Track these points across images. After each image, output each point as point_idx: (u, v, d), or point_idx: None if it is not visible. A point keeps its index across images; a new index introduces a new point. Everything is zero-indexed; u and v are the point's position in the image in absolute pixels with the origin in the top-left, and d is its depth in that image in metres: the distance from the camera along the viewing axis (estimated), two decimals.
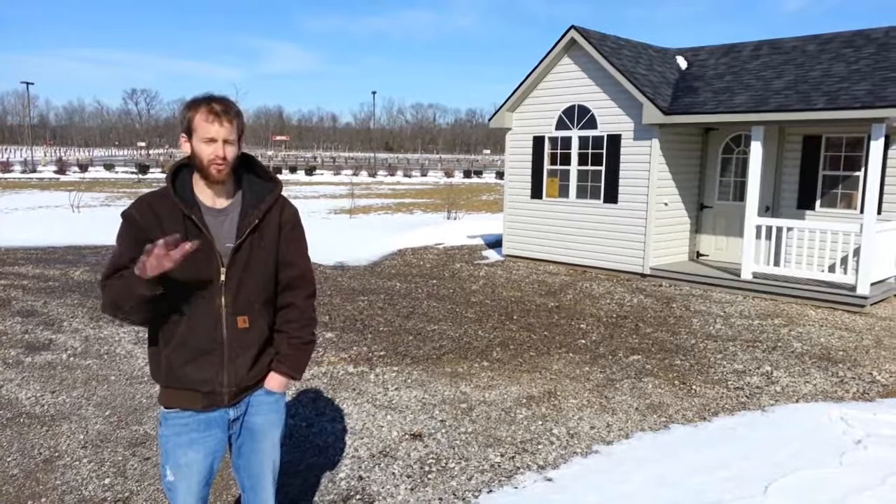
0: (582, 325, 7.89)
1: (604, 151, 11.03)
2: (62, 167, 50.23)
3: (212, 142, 2.19)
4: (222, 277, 2.27)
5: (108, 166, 55.69)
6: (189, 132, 2.22)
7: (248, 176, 2.39)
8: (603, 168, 11.05)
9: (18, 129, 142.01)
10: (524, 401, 5.40)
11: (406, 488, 3.95)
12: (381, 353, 6.63)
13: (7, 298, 8.78)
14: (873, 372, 6.28)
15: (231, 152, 2.23)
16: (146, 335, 2.42)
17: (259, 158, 2.60)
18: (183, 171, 2.32)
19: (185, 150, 2.26)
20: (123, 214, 2.26)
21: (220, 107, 2.20)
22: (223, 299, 2.28)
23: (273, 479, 2.56)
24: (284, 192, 2.50)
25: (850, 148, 9.89)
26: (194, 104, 2.22)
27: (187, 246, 2.02)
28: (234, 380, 2.34)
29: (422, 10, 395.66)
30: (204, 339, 2.28)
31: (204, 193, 2.29)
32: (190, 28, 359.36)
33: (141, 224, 2.22)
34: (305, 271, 2.49)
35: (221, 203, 2.31)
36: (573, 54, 11.31)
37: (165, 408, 2.36)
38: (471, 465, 4.27)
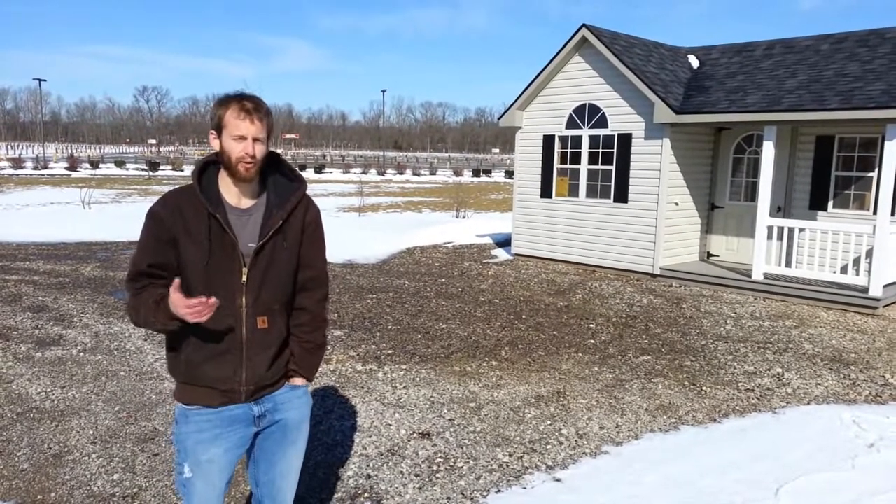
0: (591, 325, 7.85)
1: (614, 150, 10.98)
2: (73, 164, 50.55)
3: (242, 139, 2.19)
4: (244, 278, 2.27)
5: (119, 163, 56.02)
6: (219, 129, 2.22)
7: (274, 175, 2.38)
8: (613, 167, 11.00)
9: (30, 126, 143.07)
10: (533, 400, 5.38)
11: (414, 487, 3.94)
12: (390, 352, 6.62)
13: (18, 294, 8.83)
14: (886, 374, 6.22)
15: (260, 150, 2.23)
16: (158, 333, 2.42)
17: None
18: (209, 168, 2.32)
19: (213, 146, 2.27)
20: (149, 212, 2.26)
21: (251, 104, 2.21)
22: (244, 299, 2.28)
23: (298, 472, 2.58)
24: None
25: (863, 148, 9.79)
26: (226, 101, 2.22)
27: (211, 301, 2.08)
28: (253, 378, 2.34)
29: (434, 8, 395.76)
30: (223, 338, 2.28)
31: (229, 192, 2.29)
32: (201, 25, 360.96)
33: (166, 222, 2.23)
34: (321, 273, 2.49)
35: (246, 203, 2.31)
36: (584, 53, 11.26)
37: (185, 405, 2.36)
38: (479, 464, 4.25)
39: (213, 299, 2.07)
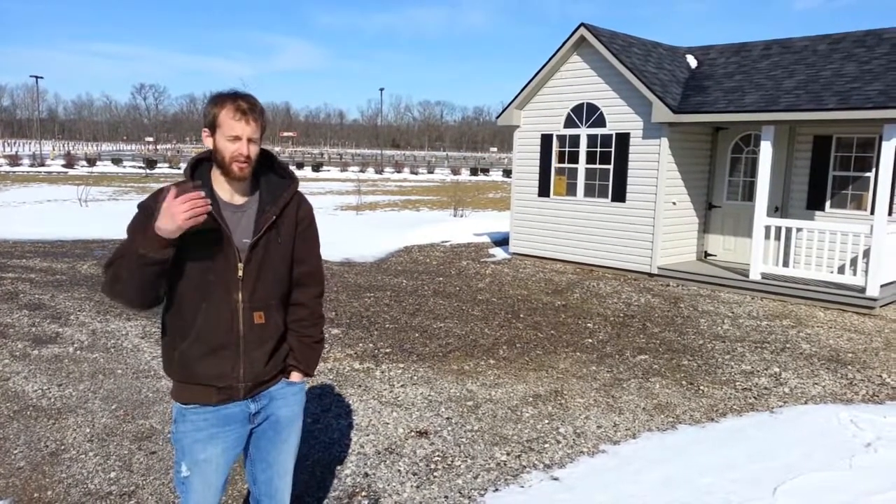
0: (589, 325, 7.85)
1: (612, 150, 10.98)
2: (70, 161, 50.44)
3: (237, 139, 2.19)
4: (240, 273, 2.26)
5: (116, 161, 55.91)
6: (213, 127, 2.21)
7: (266, 173, 2.38)
8: (611, 166, 11.00)
9: (27, 123, 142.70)
10: (530, 399, 5.38)
11: (412, 486, 3.94)
12: (387, 350, 6.61)
13: (15, 291, 8.81)
14: (883, 374, 6.23)
15: (254, 150, 2.23)
16: (156, 329, 2.42)
17: None
18: (202, 165, 2.31)
19: (207, 144, 2.26)
20: (140, 205, 2.24)
21: (246, 104, 2.20)
22: (240, 295, 2.27)
23: (292, 470, 2.57)
24: None
25: (860, 148, 9.81)
26: (220, 100, 2.21)
27: (203, 193, 2.00)
28: (251, 374, 2.34)
29: (432, 7, 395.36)
30: (220, 334, 2.27)
31: (222, 189, 2.29)
32: (199, 23, 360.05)
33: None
34: (316, 269, 2.50)
35: (239, 199, 2.31)
36: (583, 52, 11.26)
37: (182, 404, 2.35)
38: (477, 463, 4.25)
39: (201, 193, 2.00)
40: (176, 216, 1.98)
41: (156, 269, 2.10)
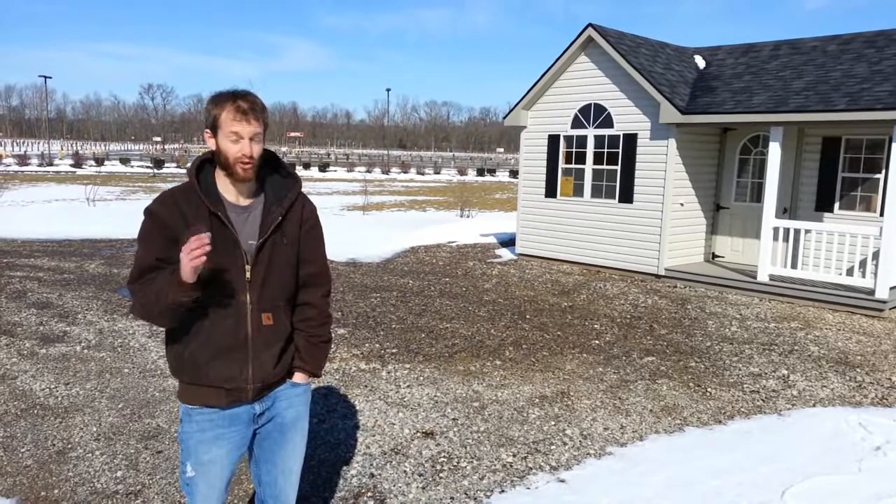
0: (596, 326, 7.83)
1: (620, 151, 10.95)
2: (78, 161, 50.69)
3: (238, 139, 2.17)
4: (247, 275, 2.26)
5: (124, 160, 56.14)
6: (214, 128, 2.19)
7: (270, 173, 2.37)
8: (618, 167, 10.97)
9: (36, 123, 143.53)
10: (537, 400, 5.36)
11: (418, 487, 3.93)
12: (394, 351, 6.61)
13: (23, 290, 8.85)
14: (892, 377, 6.18)
15: (257, 150, 2.21)
16: (162, 330, 2.41)
17: None
18: (206, 166, 2.30)
19: (209, 145, 2.24)
20: (147, 210, 2.22)
21: (246, 104, 2.17)
22: (248, 296, 2.27)
23: (299, 471, 2.56)
24: None
25: (870, 150, 9.74)
26: (220, 100, 2.18)
27: (203, 236, 2.01)
28: (260, 376, 2.33)
29: (438, 7, 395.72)
30: (229, 336, 2.26)
31: (227, 190, 2.27)
32: (206, 23, 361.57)
33: (167, 221, 2.19)
34: (323, 269, 2.49)
35: (244, 200, 2.30)
36: (590, 52, 11.23)
37: (189, 405, 2.34)
38: (483, 464, 4.24)
39: (204, 236, 2.02)
40: (184, 266, 2.03)
41: (188, 307, 2.17)
